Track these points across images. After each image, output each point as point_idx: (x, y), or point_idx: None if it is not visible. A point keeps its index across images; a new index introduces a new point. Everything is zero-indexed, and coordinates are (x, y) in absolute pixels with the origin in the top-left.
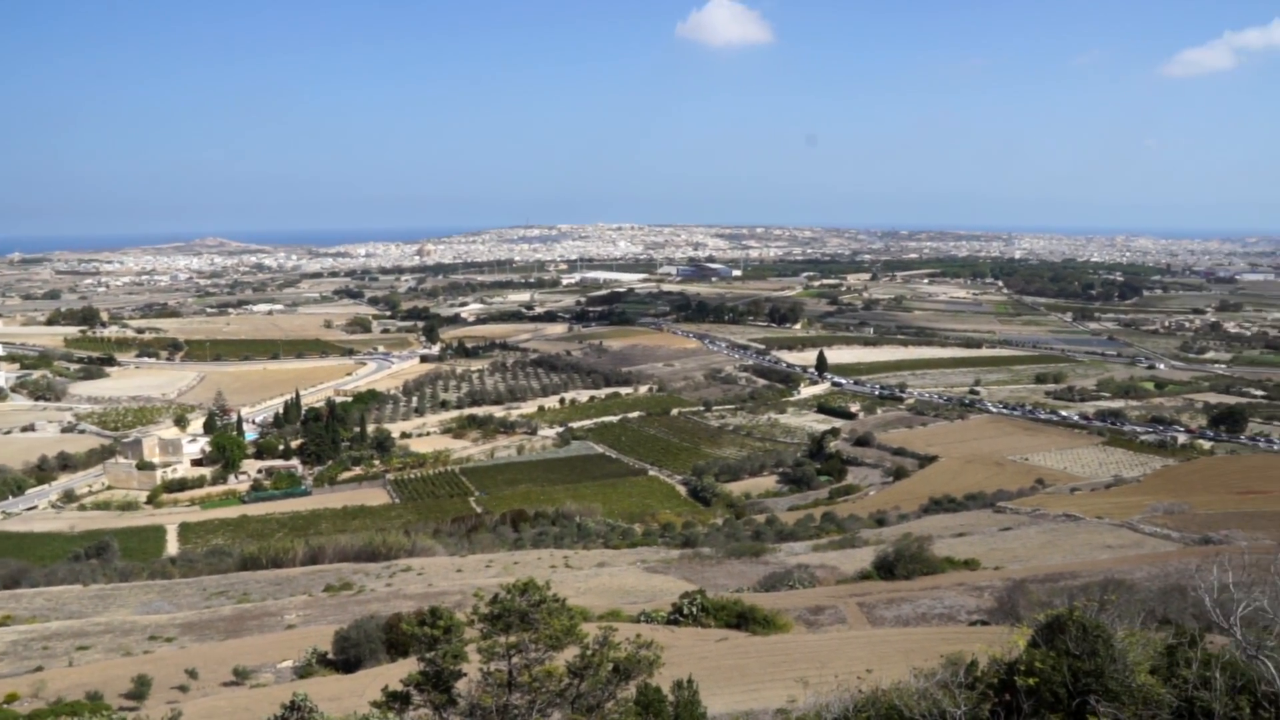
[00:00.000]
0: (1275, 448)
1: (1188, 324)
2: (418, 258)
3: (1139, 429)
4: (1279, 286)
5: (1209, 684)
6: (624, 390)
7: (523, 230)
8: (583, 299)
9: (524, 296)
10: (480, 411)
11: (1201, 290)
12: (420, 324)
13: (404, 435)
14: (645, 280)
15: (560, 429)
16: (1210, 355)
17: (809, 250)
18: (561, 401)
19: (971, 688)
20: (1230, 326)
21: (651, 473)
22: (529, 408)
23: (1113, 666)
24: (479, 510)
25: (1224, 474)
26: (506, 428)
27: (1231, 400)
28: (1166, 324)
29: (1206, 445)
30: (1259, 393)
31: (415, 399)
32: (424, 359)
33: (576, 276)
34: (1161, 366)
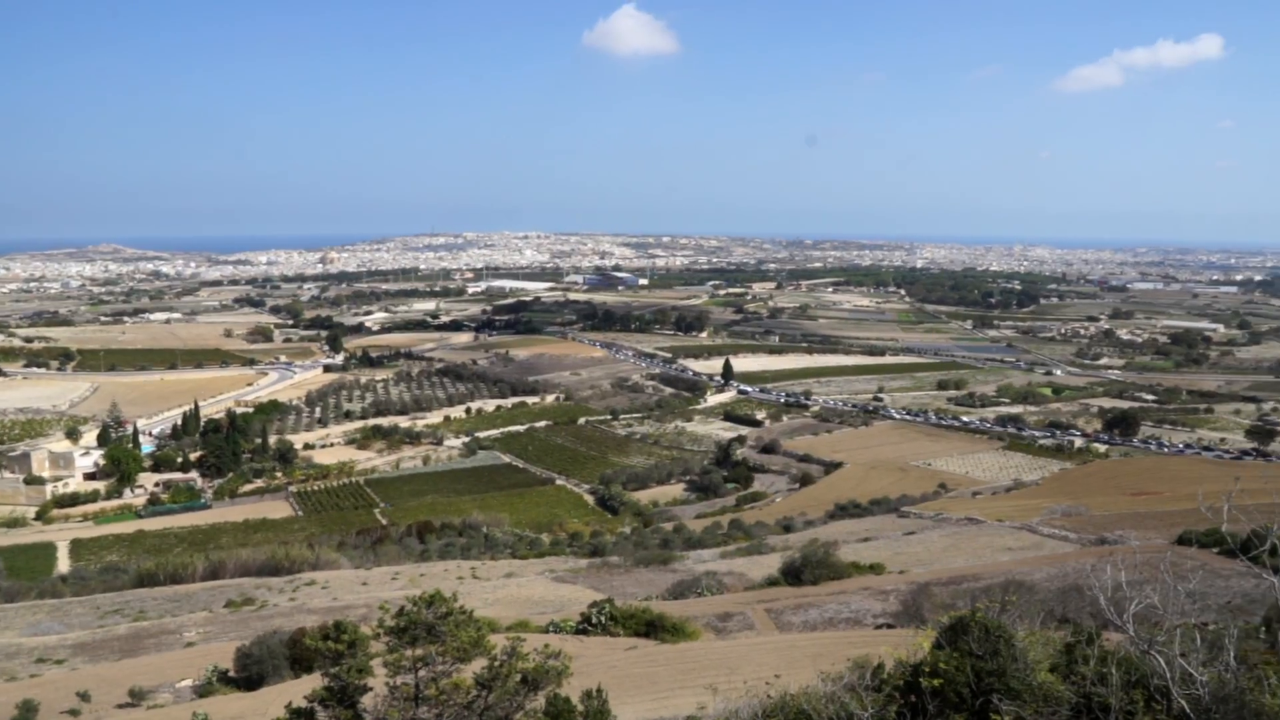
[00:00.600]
0: (1166, 450)
1: (1083, 331)
2: (321, 266)
3: (1037, 433)
4: (1168, 295)
5: (1105, 680)
6: (531, 399)
7: (428, 238)
8: (489, 308)
9: (429, 305)
10: (385, 422)
11: (1095, 298)
12: (323, 333)
13: (307, 446)
14: (552, 289)
15: (466, 439)
16: (1104, 361)
17: (715, 259)
18: (468, 411)
19: (878, 690)
20: (1123, 333)
21: (559, 482)
22: (435, 418)
23: (1014, 665)
24: (384, 522)
25: (1118, 476)
26: (412, 438)
27: (1125, 405)
28: (1063, 331)
29: (1102, 448)
30: (1150, 397)
31: (318, 409)
32: (327, 369)
33: (482, 285)
34: (1058, 372)
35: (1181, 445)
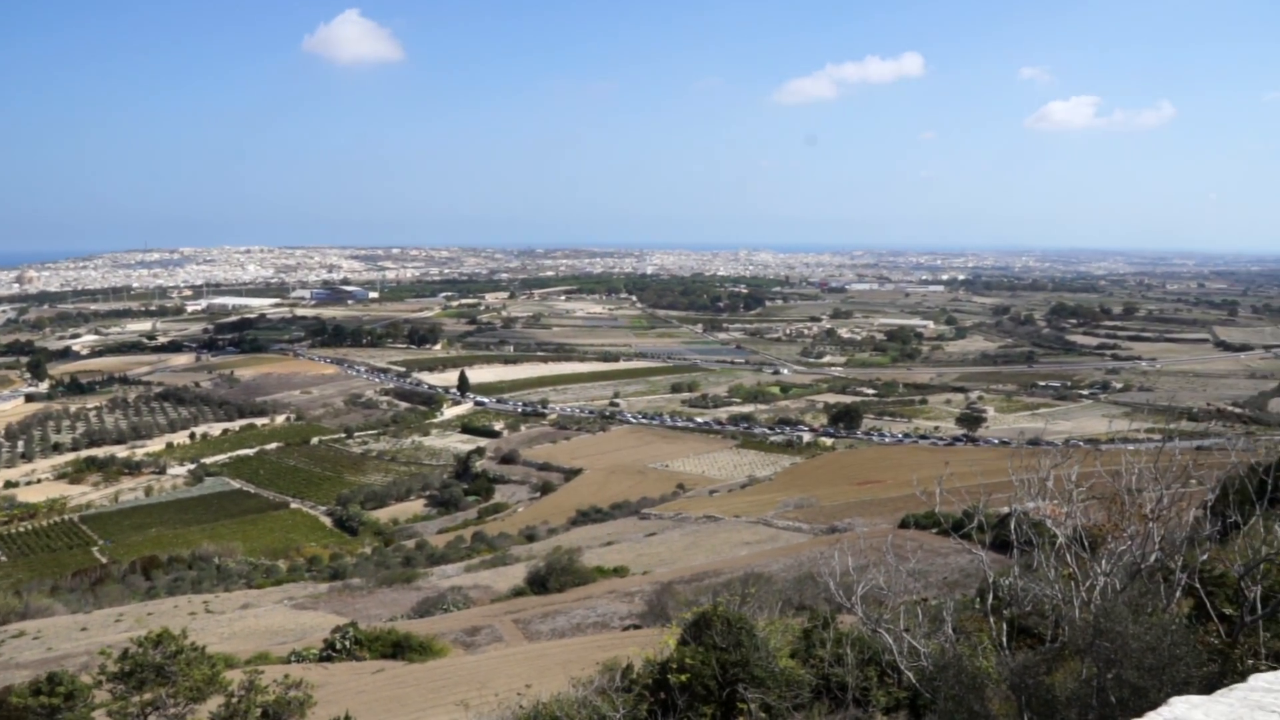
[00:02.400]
0: (887, 440)
1: (807, 331)
2: (17, 286)
3: (768, 430)
4: (883, 295)
5: (842, 660)
6: (260, 421)
7: (141, 254)
8: (211, 327)
9: (145, 326)
10: (100, 452)
11: (817, 300)
12: (24, 359)
13: (9, 484)
14: (278, 305)
15: (193, 466)
16: (828, 359)
17: (446, 270)
18: (192, 436)
19: (628, 690)
20: (844, 332)
21: (294, 505)
22: (156, 445)
23: (757, 654)
24: (104, 560)
25: (845, 467)
26: (132, 468)
27: (848, 400)
28: (788, 332)
29: (828, 442)
30: (870, 391)
31: (22, 443)
32: (30, 398)
33: (203, 303)
34: (785, 371)
35: (900, 435)
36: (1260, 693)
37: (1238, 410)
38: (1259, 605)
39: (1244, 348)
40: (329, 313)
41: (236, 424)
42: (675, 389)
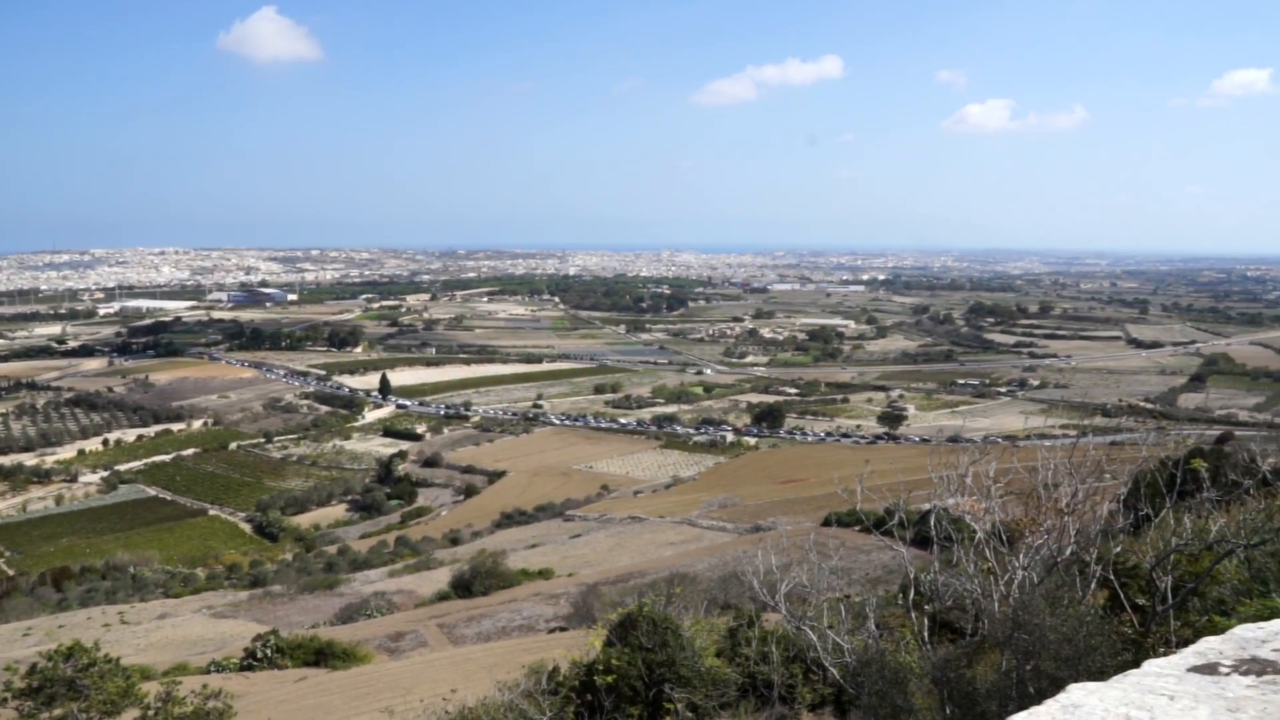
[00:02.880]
0: (809, 439)
1: (729, 331)
2: None
3: (692, 431)
4: (804, 295)
5: (767, 658)
6: (176, 426)
7: (50, 255)
8: (124, 330)
9: (54, 329)
10: (7, 461)
11: (740, 300)
12: None
13: None
14: (194, 308)
15: (106, 473)
16: (750, 359)
17: (367, 272)
18: (105, 443)
19: (555, 693)
20: (766, 332)
21: (212, 512)
22: (67, 452)
23: (683, 654)
24: (12, 573)
25: (768, 466)
26: (41, 477)
27: (770, 399)
28: (711, 332)
29: (752, 441)
30: (793, 390)
31: None
32: None
33: (116, 306)
34: (708, 371)
35: (823, 434)
36: (1152, 678)
37: (1149, 406)
38: (1169, 595)
39: (1155, 345)
40: (247, 315)
41: (152, 429)
42: (599, 390)
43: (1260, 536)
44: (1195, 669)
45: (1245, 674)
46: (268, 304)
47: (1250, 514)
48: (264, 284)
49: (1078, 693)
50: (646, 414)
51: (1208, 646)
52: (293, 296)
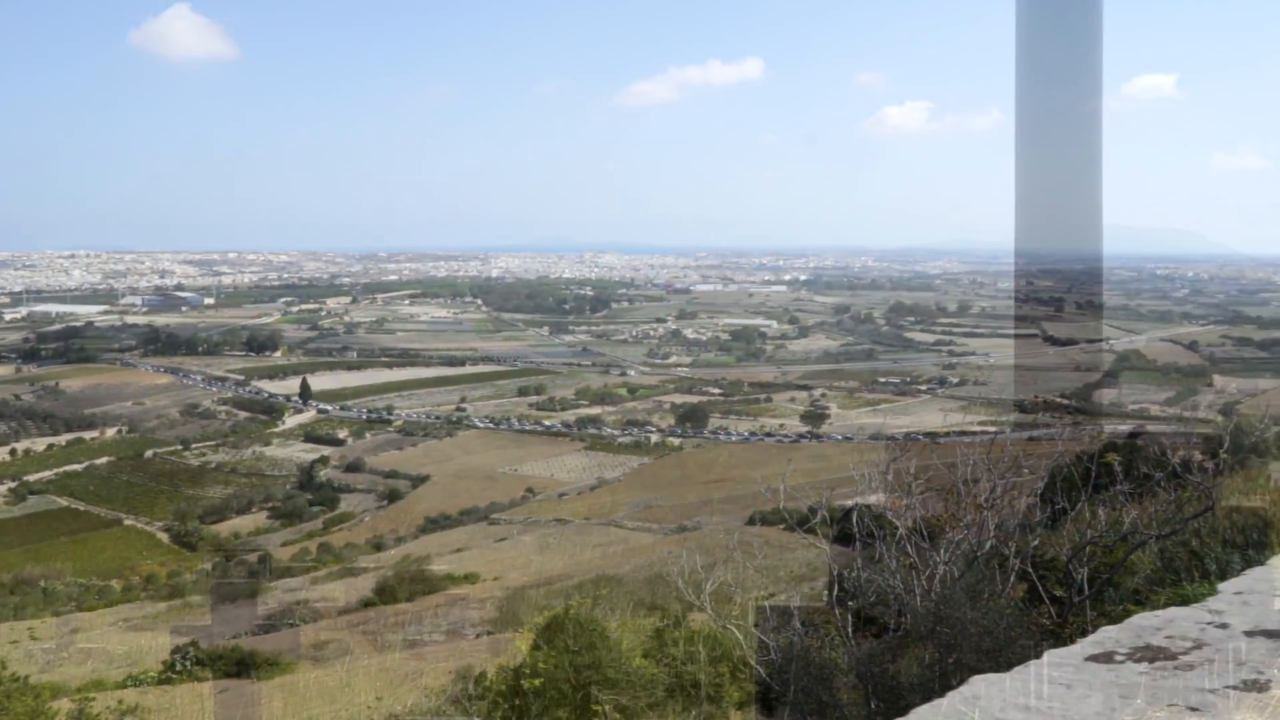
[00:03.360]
0: (734, 438)
1: (653, 332)
2: None
3: (616, 432)
4: (727, 295)
5: (694, 658)
6: (89, 435)
7: None
8: (32, 336)
9: None
10: None
11: (663, 301)
12: None
13: None
14: (107, 312)
15: (14, 484)
16: (674, 360)
17: (286, 275)
18: (13, 453)
19: (482, 698)
20: (689, 333)
21: (128, 522)
22: None
23: (610, 656)
24: None
25: (692, 467)
26: None
27: (694, 399)
28: (634, 333)
29: (676, 442)
30: (716, 390)
31: None
32: None
33: (23, 311)
34: (633, 373)
35: (747, 433)
36: (1051, 667)
37: (1065, 401)
38: (1085, 586)
39: (1070, 342)
40: (162, 320)
41: (63, 438)
42: (523, 392)
43: (1171, 527)
44: (1092, 658)
45: (1139, 661)
46: (184, 308)
47: (1161, 506)
48: (180, 287)
49: (979, 684)
50: (570, 416)
51: (1105, 636)
52: (209, 300)
